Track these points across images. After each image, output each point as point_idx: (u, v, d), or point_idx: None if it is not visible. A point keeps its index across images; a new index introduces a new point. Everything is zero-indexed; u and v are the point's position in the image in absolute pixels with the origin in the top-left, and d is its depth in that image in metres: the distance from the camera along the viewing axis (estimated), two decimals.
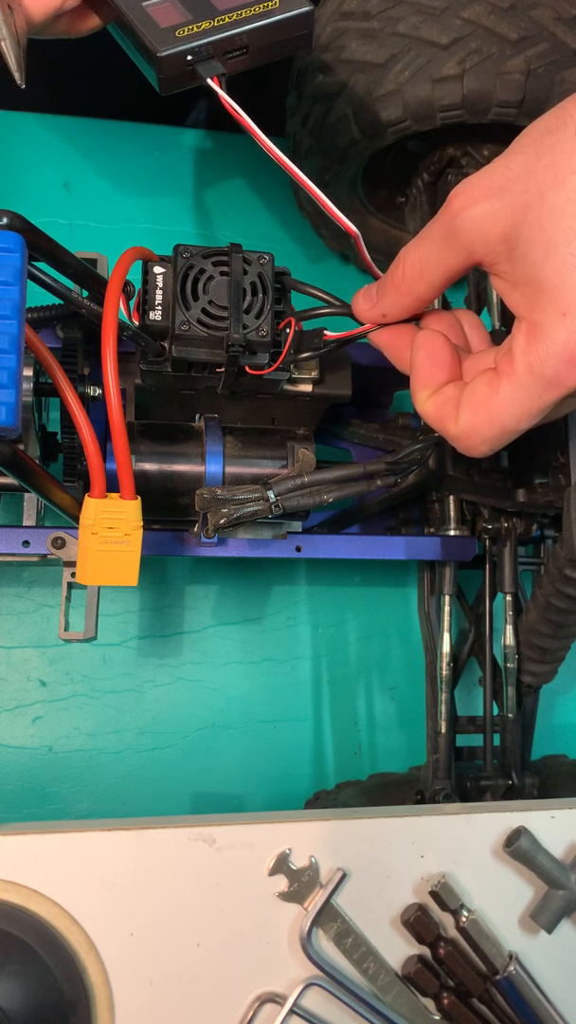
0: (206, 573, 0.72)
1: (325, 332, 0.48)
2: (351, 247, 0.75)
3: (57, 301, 0.49)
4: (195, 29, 0.44)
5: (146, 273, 0.47)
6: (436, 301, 0.47)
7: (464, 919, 0.47)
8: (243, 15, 0.45)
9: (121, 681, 0.69)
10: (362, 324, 0.46)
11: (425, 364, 0.43)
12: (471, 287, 0.65)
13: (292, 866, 0.46)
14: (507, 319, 0.62)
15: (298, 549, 0.59)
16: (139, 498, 0.44)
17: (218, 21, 0.44)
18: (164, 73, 0.44)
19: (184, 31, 0.44)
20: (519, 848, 0.47)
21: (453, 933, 0.47)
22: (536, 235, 0.37)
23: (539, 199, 0.36)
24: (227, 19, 0.44)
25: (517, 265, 0.38)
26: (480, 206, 0.38)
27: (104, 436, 0.47)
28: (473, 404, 0.40)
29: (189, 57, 0.44)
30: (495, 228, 0.38)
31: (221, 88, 0.45)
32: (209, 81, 0.45)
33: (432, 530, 0.66)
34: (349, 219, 0.44)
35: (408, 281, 0.42)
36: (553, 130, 0.37)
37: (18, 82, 0.45)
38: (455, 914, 0.47)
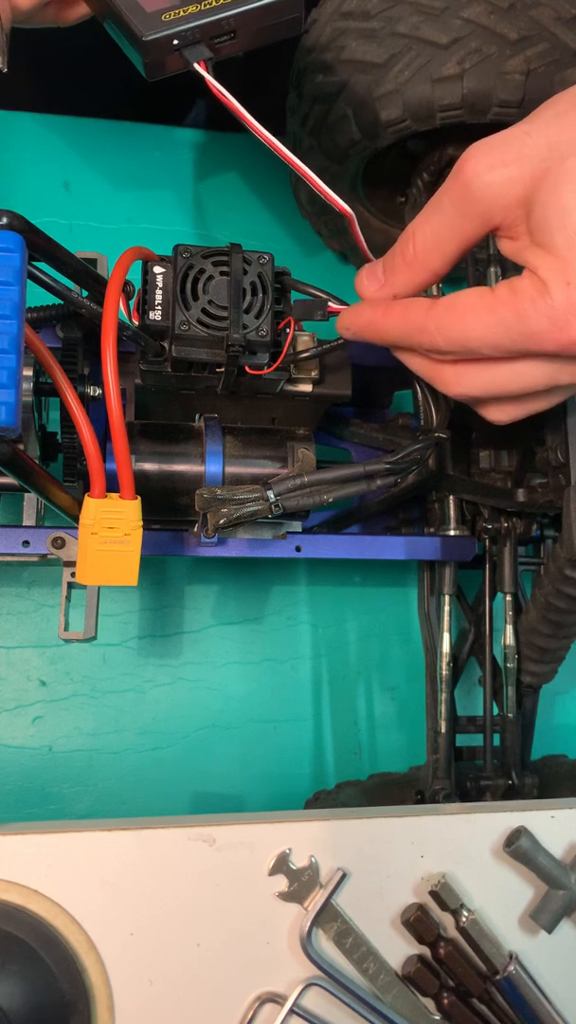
0: (206, 573, 0.72)
1: (330, 305, 0.48)
2: (351, 247, 0.75)
3: (57, 301, 0.49)
4: (182, 13, 0.44)
5: (146, 273, 0.47)
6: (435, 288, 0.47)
7: (464, 919, 0.47)
8: None
9: (121, 681, 0.69)
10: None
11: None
12: (471, 281, 0.65)
13: (292, 866, 0.46)
14: None
15: (298, 549, 0.59)
16: (139, 498, 0.44)
17: (205, 5, 0.44)
18: (150, 58, 0.44)
19: (170, 15, 0.44)
20: (519, 848, 0.47)
21: (453, 933, 0.47)
22: (553, 200, 0.37)
23: (560, 163, 0.36)
24: (214, 2, 0.44)
25: (534, 227, 0.38)
26: (497, 172, 0.37)
27: (104, 436, 0.47)
28: (453, 304, 0.40)
29: (175, 42, 0.44)
30: (514, 191, 0.38)
31: (208, 73, 0.44)
32: (196, 66, 0.44)
33: (432, 530, 0.66)
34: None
35: (421, 256, 0.41)
36: None
37: (1, 66, 0.45)
38: (455, 914, 0.47)
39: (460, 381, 0.43)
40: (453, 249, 0.41)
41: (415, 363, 0.45)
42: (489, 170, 0.38)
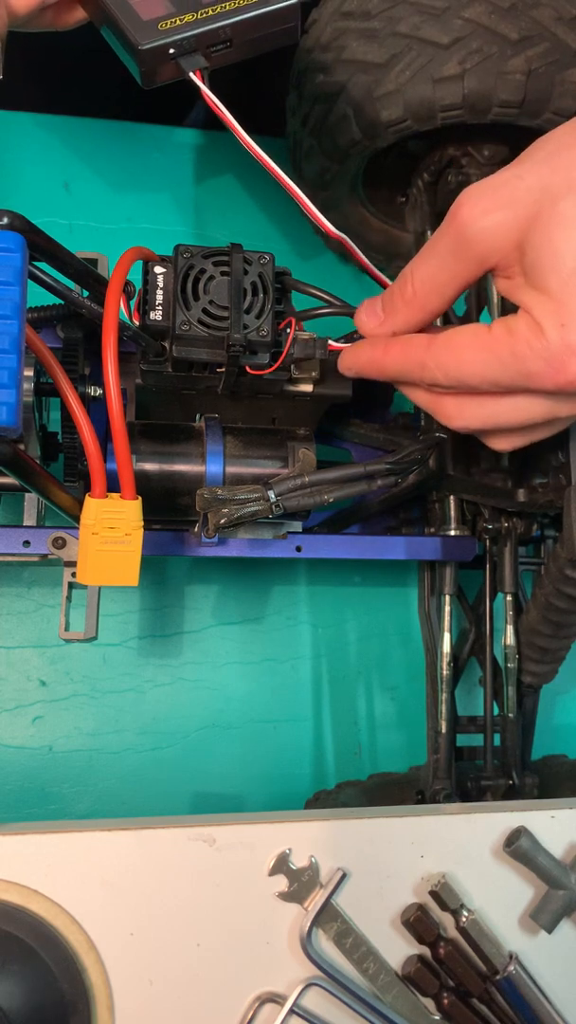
0: (206, 573, 0.72)
1: (330, 343, 0.49)
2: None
3: (58, 301, 0.49)
4: (178, 22, 0.44)
5: (146, 273, 0.47)
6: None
7: (464, 919, 0.47)
8: (227, 8, 0.44)
9: (121, 681, 0.69)
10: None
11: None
12: (471, 286, 0.65)
13: (292, 866, 0.46)
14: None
15: (298, 549, 0.59)
16: (140, 498, 0.44)
17: (202, 14, 0.44)
18: (145, 67, 0.44)
19: (167, 24, 0.44)
20: (519, 848, 0.47)
21: (453, 933, 0.47)
22: (545, 243, 0.37)
23: (551, 206, 0.37)
24: (211, 12, 0.44)
25: (527, 269, 0.38)
26: (491, 216, 0.38)
27: (105, 436, 0.47)
28: (450, 341, 0.41)
29: (171, 50, 0.44)
30: (509, 236, 0.38)
31: (203, 83, 0.44)
32: (191, 75, 0.44)
33: (432, 530, 0.66)
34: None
35: (420, 297, 0.42)
36: (570, 145, 0.37)
37: None
38: (455, 914, 0.47)
39: (462, 414, 0.44)
40: (451, 290, 0.41)
41: (417, 396, 0.46)
42: (483, 215, 0.38)
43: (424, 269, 0.41)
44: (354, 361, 0.47)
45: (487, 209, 0.38)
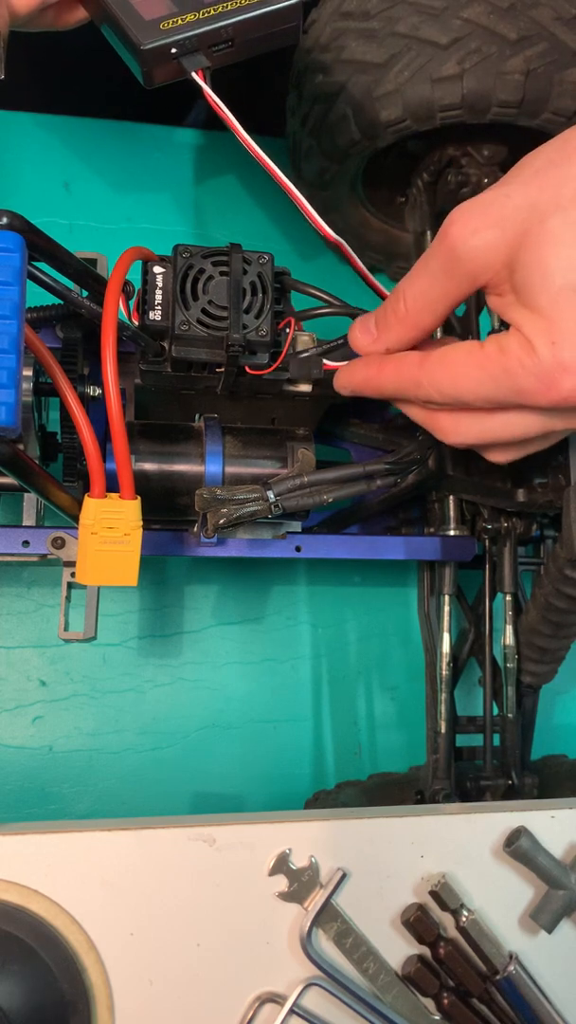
0: (206, 573, 0.72)
1: (325, 362, 0.49)
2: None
3: (57, 301, 0.49)
4: (180, 22, 0.44)
5: (146, 273, 0.47)
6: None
7: (464, 919, 0.47)
8: (229, 7, 0.44)
9: (121, 681, 0.69)
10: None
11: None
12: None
13: (292, 866, 0.46)
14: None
15: (298, 549, 0.59)
16: (139, 498, 0.44)
17: (203, 13, 0.44)
18: (148, 66, 0.44)
19: (169, 23, 0.44)
20: (519, 848, 0.47)
21: (453, 933, 0.47)
22: (534, 261, 0.37)
23: (539, 224, 0.37)
24: (213, 11, 0.44)
25: (517, 287, 0.39)
26: (481, 235, 0.38)
27: (104, 436, 0.47)
28: (444, 359, 0.41)
29: (173, 50, 0.44)
30: (498, 254, 0.38)
31: (205, 82, 0.45)
32: (193, 75, 0.45)
33: (432, 530, 0.66)
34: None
35: (412, 314, 0.42)
36: (558, 163, 0.38)
37: None
38: (455, 914, 0.47)
39: (458, 430, 0.44)
40: (443, 308, 0.42)
41: (413, 412, 0.46)
42: (473, 234, 0.38)
43: (416, 286, 0.42)
44: (349, 380, 0.47)
45: (477, 228, 0.38)
